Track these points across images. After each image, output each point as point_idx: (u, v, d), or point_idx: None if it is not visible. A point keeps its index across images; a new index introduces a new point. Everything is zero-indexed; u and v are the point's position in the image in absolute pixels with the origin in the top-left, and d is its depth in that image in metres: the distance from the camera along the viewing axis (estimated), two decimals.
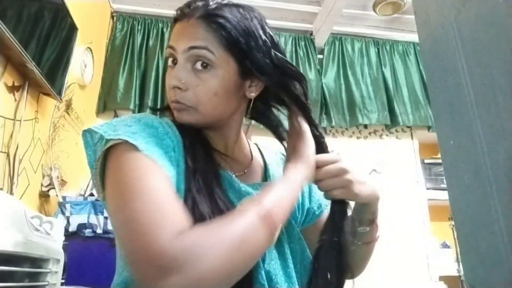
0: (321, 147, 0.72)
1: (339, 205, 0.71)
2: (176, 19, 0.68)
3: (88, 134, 0.62)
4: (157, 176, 0.55)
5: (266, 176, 0.78)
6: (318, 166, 0.68)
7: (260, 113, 0.79)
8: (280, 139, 0.79)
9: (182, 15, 0.67)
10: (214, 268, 0.46)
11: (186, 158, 0.62)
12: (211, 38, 0.63)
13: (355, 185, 0.67)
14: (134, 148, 0.56)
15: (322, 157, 0.69)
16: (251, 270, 0.56)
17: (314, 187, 0.85)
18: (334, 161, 0.68)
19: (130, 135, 0.57)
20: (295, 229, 0.73)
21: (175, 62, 0.67)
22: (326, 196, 0.70)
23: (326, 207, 0.86)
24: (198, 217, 0.56)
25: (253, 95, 0.70)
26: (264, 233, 0.53)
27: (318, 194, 0.85)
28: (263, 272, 0.62)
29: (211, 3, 0.66)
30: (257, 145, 0.85)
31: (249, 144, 0.81)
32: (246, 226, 0.51)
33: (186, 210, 0.55)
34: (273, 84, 0.69)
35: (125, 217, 0.51)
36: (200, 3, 0.66)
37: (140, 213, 0.49)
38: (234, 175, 0.70)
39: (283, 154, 0.86)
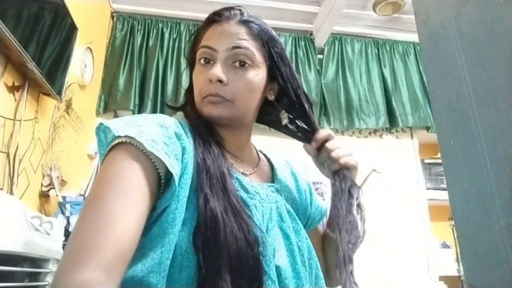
0: None
1: (346, 171, 0.77)
2: (212, 21, 0.74)
3: (101, 133, 0.62)
4: (132, 193, 0.54)
5: (273, 177, 0.81)
6: (326, 140, 0.77)
7: (267, 114, 0.82)
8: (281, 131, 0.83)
9: (221, 17, 0.73)
10: None
11: (199, 156, 0.64)
12: (252, 40, 0.72)
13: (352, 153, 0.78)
14: (130, 150, 0.56)
15: (326, 131, 0.79)
16: (263, 265, 0.59)
17: (313, 195, 0.89)
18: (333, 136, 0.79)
19: (137, 133, 0.57)
20: (302, 228, 0.75)
21: (207, 60, 0.72)
22: (332, 168, 0.76)
23: (326, 212, 0.89)
24: (209, 213, 0.57)
25: (273, 97, 0.78)
26: None
27: (317, 203, 0.89)
28: (274, 268, 0.63)
29: (245, 14, 0.75)
30: (261, 151, 0.89)
31: (254, 146, 0.85)
32: None
33: (198, 208, 0.57)
34: (291, 89, 0.76)
35: (75, 226, 0.53)
36: (238, 11, 0.75)
37: (83, 232, 0.51)
38: (244, 175, 0.72)
39: (287, 162, 0.91)
